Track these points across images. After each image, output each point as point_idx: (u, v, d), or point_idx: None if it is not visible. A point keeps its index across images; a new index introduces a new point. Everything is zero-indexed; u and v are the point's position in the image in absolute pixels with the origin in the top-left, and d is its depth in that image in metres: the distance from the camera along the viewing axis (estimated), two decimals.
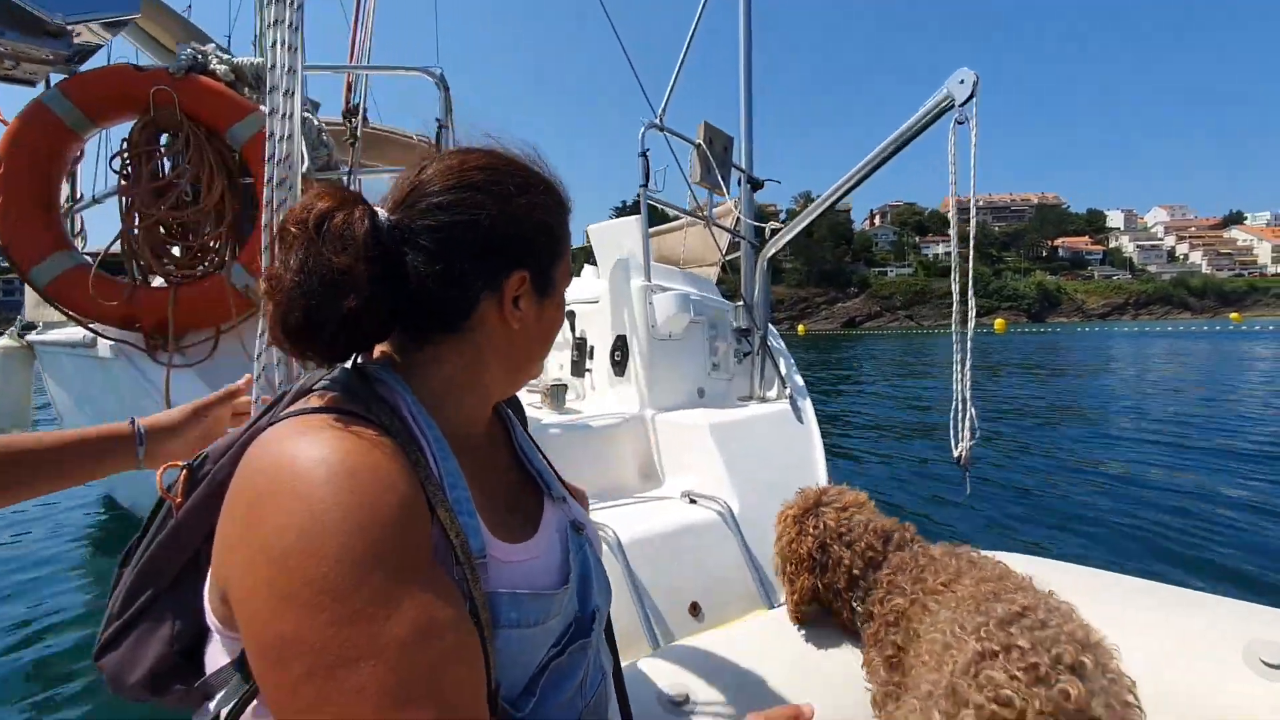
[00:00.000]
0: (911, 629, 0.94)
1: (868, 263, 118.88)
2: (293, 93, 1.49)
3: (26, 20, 1.98)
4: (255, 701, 0.55)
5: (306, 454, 0.50)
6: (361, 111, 2.66)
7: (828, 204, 2.79)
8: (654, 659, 1.17)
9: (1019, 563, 1.15)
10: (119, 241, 2.11)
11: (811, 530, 1.18)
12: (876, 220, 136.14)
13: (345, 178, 2.51)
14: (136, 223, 2.18)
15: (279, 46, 1.42)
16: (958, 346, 1.92)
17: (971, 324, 1.89)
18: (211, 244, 2.29)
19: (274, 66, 1.46)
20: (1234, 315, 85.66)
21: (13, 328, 2.79)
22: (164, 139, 2.26)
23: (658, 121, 3.76)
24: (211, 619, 0.58)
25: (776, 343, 3.80)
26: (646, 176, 3.54)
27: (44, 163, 2.07)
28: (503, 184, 0.63)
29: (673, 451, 2.85)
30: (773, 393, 3.62)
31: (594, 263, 5.94)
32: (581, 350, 3.80)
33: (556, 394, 3.23)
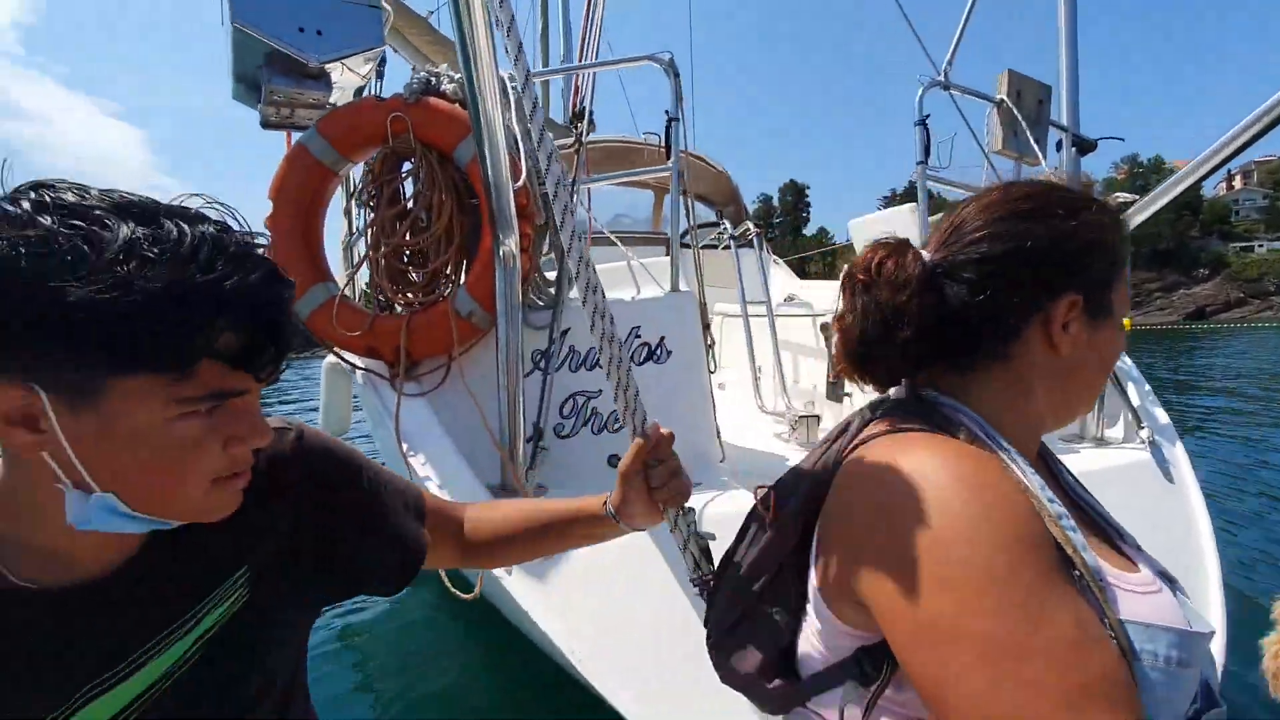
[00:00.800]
0: None
1: (1223, 236, 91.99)
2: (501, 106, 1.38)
3: (291, 67, 2.12)
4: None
5: (931, 464, 0.55)
6: (587, 116, 2.45)
7: (1220, 162, 1.82)
8: None
9: None
10: (365, 271, 2.20)
11: None
12: (1237, 182, 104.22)
13: (570, 189, 2.30)
14: (376, 252, 2.23)
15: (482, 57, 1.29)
16: None
17: None
18: (445, 269, 2.26)
19: (474, 75, 1.32)
20: None
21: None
22: (406, 166, 2.29)
23: (941, 78, 2.97)
24: (824, 619, 0.63)
25: (1122, 361, 2.74)
26: (926, 150, 2.80)
27: (305, 200, 2.22)
28: (1049, 208, 0.64)
29: None
30: (1115, 431, 2.60)
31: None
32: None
33: (807, 426, 2.69)
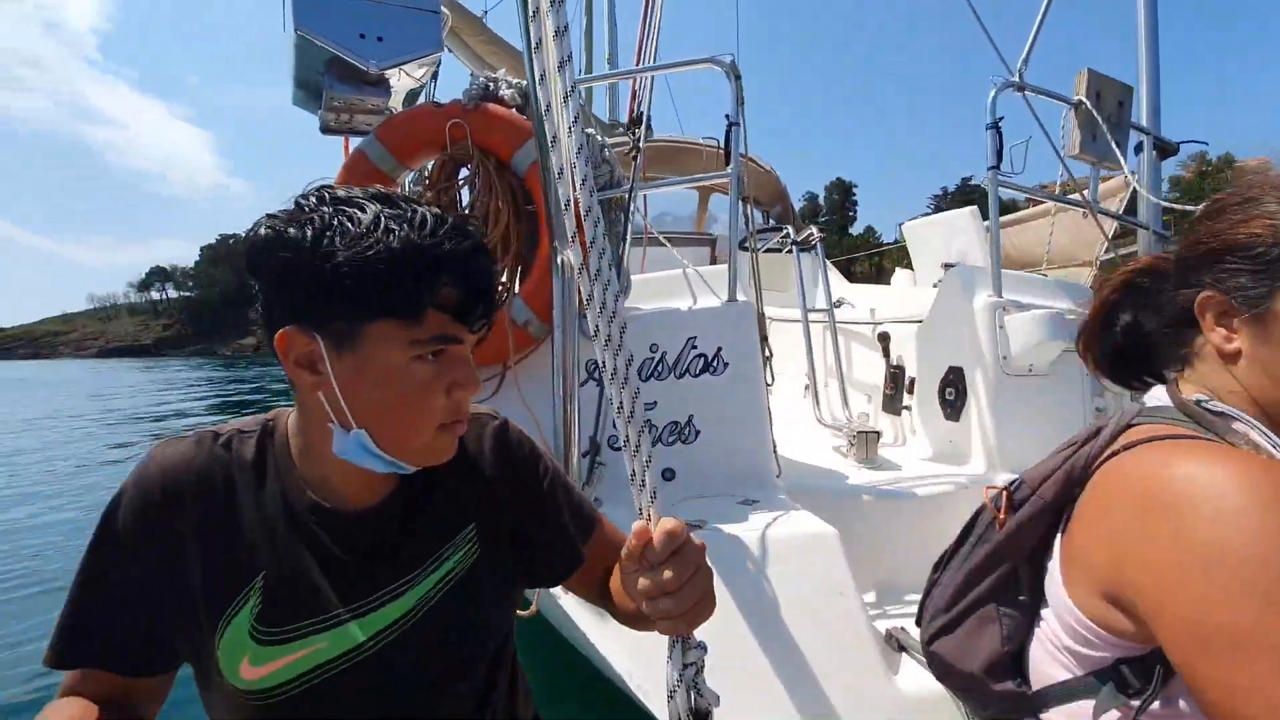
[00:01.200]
0: None
1: None
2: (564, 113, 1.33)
3: (350, 73, 2.13)
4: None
5: (1218, 472, 0.53)
6: (645, 120, 2.39)
7: None
8: None
9: None
10: None
11: None
12: None
13: (628, 195, 2.25)
14: None
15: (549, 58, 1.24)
16: None
17: None
18: (501, 277, 2.24)
19: (541, 79, 1.30)
20: None
21: None
22: (463, 173, 2.27)
23: (1016, 79, 2.81)
24: (1078, 625, 0.62)
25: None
26: (999, 156, 2.65)
27: None
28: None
29: None
30: None
31: (909, 266, 5.01)
32: (897, 382, 3.04)
33: (866, 442, 2.58)
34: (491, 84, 2.17)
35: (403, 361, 0.63)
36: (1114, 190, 3.63)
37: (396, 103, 2.45)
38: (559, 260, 1.75)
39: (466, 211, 2.24)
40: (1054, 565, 0.66)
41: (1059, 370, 2.46)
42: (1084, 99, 2.81)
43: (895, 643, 1.58)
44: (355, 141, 2.24)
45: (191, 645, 0.69)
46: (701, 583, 0.60)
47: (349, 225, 0.60)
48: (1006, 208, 3.96)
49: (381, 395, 0.64)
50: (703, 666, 0.62)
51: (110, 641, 0.66)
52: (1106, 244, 3.48)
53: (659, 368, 2.17)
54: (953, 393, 2.58)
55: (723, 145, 2.30)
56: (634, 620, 0.82)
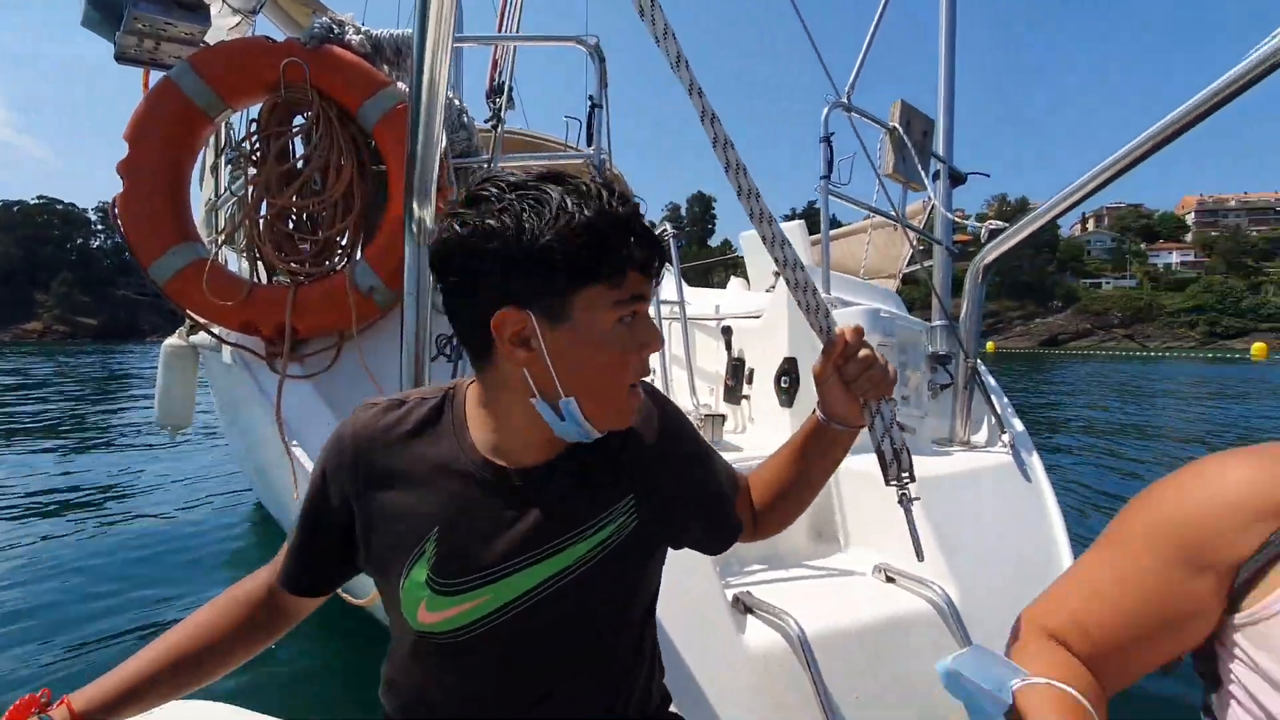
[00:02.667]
0: None
1: (1076, 274, 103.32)
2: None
3: None
4: None
5: None
6: (507, 92, 2.33)
7: (1080, 197, 2.06)
8: None
9: None
10: (240, 234, 1.97)
11: None
12: (1089, 225, 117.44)
13: (486, 166, 2.19)
14: (258, 213, 2.00)
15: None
16: None
17: None
18: (337, 238, 2.08)
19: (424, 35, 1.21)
20: None
21: (181, 327, 2.80)
22: (298, 120, 2.08)
23: (845, 100, 3.10)
24: None
25: (988, 375, 2.97)
26: (830, 166, 2.91)
27: (172, 147, 1.91)
28: None
29: (860, 510, 2.21)
30: (979, 437, 2.82)
31: (743, 275, 5.38)
32: (738, 373, 3.23)
33: (712, 425, 2.71)
34: (337, 27, 2.00)
35: (608, 324, 0.69)
36: (914, 212, 4.10)
37: (214, 40, 2.18)
38: (413, 223, 1.60)
39: (300, 164, 2.05)
40: None
41: None
42: (897, 125, 3.15)
43: (741, 605, 1.68)
44: (158, 77, 1.95)
45: (379, 582, 0.79)
46: (884, 361, 0.84)
47: (541, 207, 0.65)
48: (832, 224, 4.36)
49: (591, 360, 0.70)
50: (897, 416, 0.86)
51: (294, 570, 0.82)
52: (910, 256, 3.94)
53: None
54: (788, 381, 2.79)
55: (586, 123, 2.30)
56: (814, 465, 0.92)
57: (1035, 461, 2.59)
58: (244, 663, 0.84)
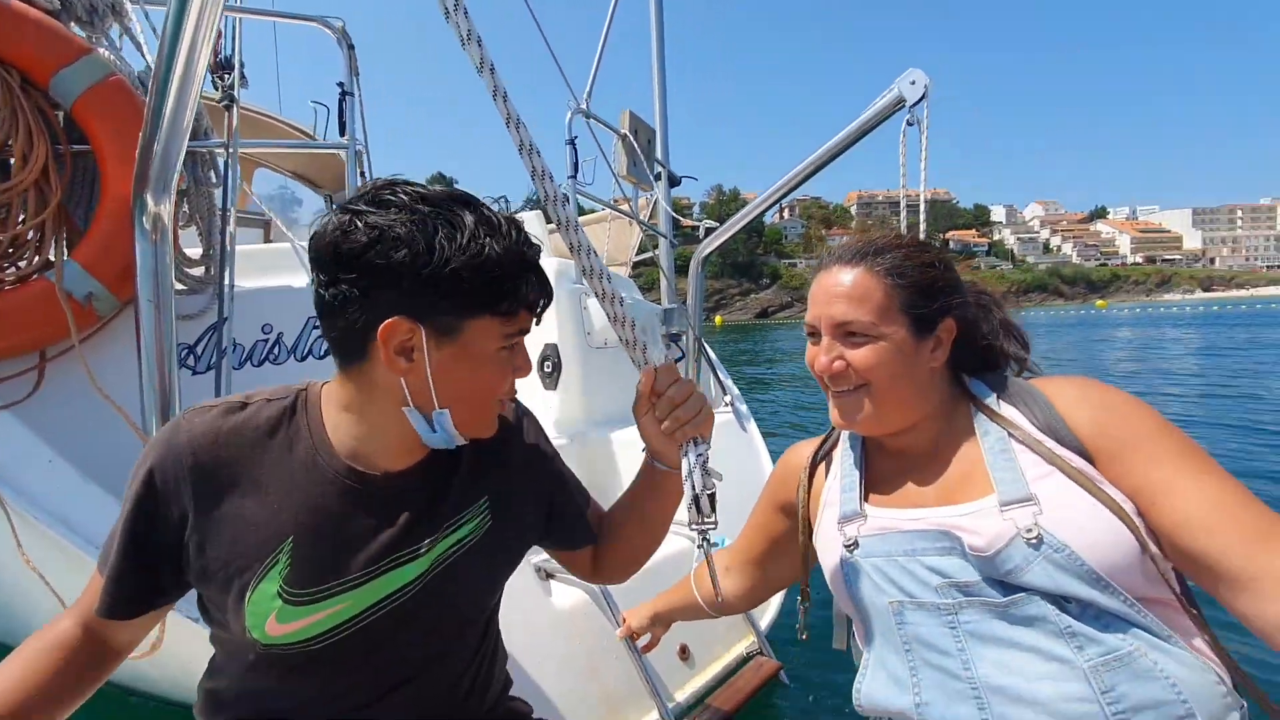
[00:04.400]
0: None
1: (778, 255, 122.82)
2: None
3: None
4: None
5: None
6: (238, 67, 2.14)
7: (773, 200, 2.59)
8: None
9: None
10: None
11: None
12: (785, 214, 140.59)
13: (223, 150, 2.01)
14: None
15: None
16: None
17: None
18: (30, 235, 1.78)
19: None
20: (1100, 302, 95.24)
21: None
22: None
23: (583, 107, 3.46)
24: None
25: (709, 349, 3.60)
26: (576, 166, 3.24)
27: None
28: None
29: (627, 473, 2.58)
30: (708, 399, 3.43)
31: None
32: None
33: None
34: None
35: (492, 350, 0.72)
36: (643, 207, 4.68)
37: None
38: (146, 219, 1.40)
39: None
40: None
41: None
42: (627, 132, 3.61)
43: (543, 573, 1.86)
44: None
45: (211, 597, 0.74)
46: (699, 397, 0.83)
47: (455, 231, 0.66)
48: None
49: (469, 379, 0.73)
50: (708, 459, 0.85)
51: (118, 594, 0.74)
52: (637, 246, 4.52)
53: (275, 351, 2.04)
54: (550, 365, 3.06)
55: (338, 111, 2.24)
56: (648, 503, 0.95)
57: (746, 415, 3.24)
58: (76, 708, 0.76)
